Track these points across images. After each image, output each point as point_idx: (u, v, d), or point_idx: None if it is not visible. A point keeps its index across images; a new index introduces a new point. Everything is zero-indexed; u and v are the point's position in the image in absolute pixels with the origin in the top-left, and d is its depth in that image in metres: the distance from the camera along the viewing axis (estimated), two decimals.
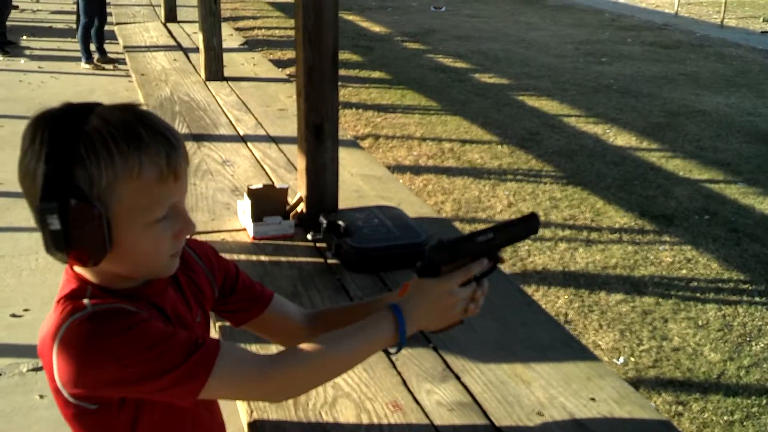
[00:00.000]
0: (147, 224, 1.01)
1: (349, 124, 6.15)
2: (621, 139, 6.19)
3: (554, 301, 3.58)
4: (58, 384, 1.00)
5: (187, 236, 1.10)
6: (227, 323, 1.38)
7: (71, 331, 0.97)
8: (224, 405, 2.83)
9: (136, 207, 0.99)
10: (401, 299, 1.14)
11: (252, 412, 1.56)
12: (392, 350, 1.13)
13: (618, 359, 3.15)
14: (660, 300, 3.64)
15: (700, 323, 3.45)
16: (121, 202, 0.98)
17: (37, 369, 2.82)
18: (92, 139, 0.96)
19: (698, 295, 3.74)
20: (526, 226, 1.19)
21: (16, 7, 9.67)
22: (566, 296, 3.62)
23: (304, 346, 1.10)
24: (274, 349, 1.45)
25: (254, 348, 1.71)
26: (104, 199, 0.97)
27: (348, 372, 1.69)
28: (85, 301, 1.01)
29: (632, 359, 3.16)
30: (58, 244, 0.97)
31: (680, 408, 2.88)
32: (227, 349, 1.05)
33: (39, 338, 1.04)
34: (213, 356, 1.02)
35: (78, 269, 1.05)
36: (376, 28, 11.02)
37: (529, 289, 3.61)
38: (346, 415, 1.57)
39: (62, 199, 0.95)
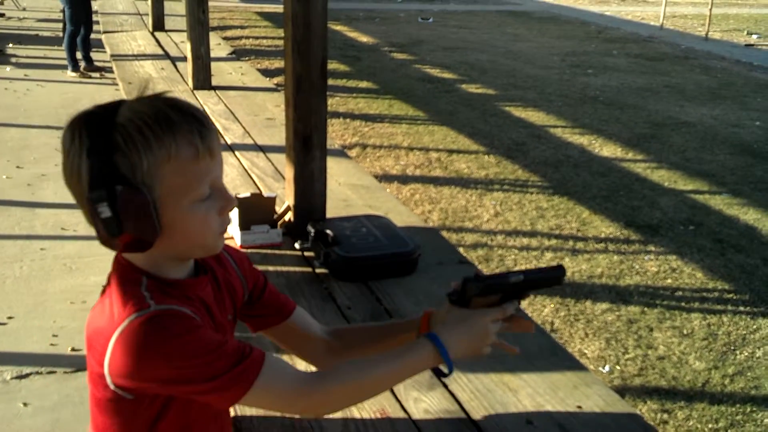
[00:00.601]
0: (192, 202, 1.05)
1: (336, 133, 6.17)
2: (606, 149, 6.24)
3: (540, 309, 3.59)
4: (105, 371, 1.04)
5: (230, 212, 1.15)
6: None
7: (133, 328, 1.01)
8: None
9: (179, 186, 1.03)
10: (438, 329, 1.19)
11: (236, 413, 1.56)
12: (444, 370, 1.18)
13: (604, 368, 3.17)
14: (645, 309, 3.67)
15: (685, 332, 3.48)
16: (164, 183, 1.02)
17: (21, 377, 2.80)
18: (127, 128, 1.00)
19: (683, 304, 3.77)
20: (553, 276, 1.26)
21: (2, 15, 9.65)
22: (552, 305, 3.64)
23: (344, 367, 1.17)
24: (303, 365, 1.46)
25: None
26: (149, 183, 1.01)
27: None
28: (148, 300, 1.04)
29: (618, 368, 3.18)
30: (112, 230, 1.01)
31: (665, 416, 2.90)
32: (271, 363, 1.09)
33: (90, 322, 1.08)
34: (257, 368, 1.06)
35: (128, 256, 1.09)
36: (364, 39, 11.06)
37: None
38: (333, 424, 1.57)
39: (109, 188, 0.99)
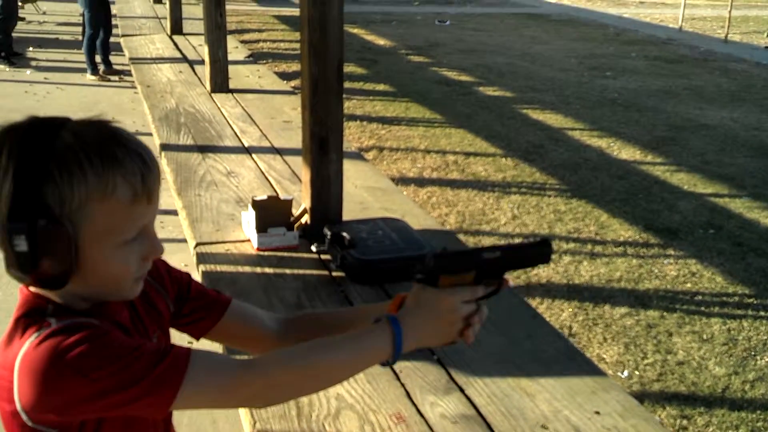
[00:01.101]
0: (116, 245, 0.97)
1: (353, 136, 6.17)
2: (625, 152, 6.19)
3: (558, 314, 3.57)
4: (18, 407, 0.94)
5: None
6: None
7: (33, 350, 0.91)
8: (226, 415, 2.82)
9: (106, 228, 0.95)
10: (401, 312, 1.06)
11: (255, 423, 1.56)
12: (383, 364, 1.06)
13: (622, 373, 3.14)
14: (665, 313, 3.63)
15: (704, 337, 3.44)
16: (91, 222, 0.94)
17: None
18: (64, 156, 0.92)
19: (703, 308, 3.73)
20: (537, 252, 1.10)
21: (23, 19, 9.75)
22: (570, 309, 3.62)
23: (289, 349, 1.05)
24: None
25: None
26: (74, 220, 0.93)
27: (351, 383, 1.70)
28: (49, 319, 0.95)
29: (637, 373, 3.15)
30: (24, 267, 0.93)
31: (685, 422, 2.86)
32: (200, 354, 0.98)
33: None
34: (184, 361, 0.96)
35: (35, 289, 1.00)
36: (381, 41, 11.07)
37: (533, 302, 3.60)
38: (350, 426, 1.56)
39: (31, 220, 0.91)
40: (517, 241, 4.35)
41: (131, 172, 0.95)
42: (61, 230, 0.92)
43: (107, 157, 0.94)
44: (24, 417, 0.95)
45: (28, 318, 0.96)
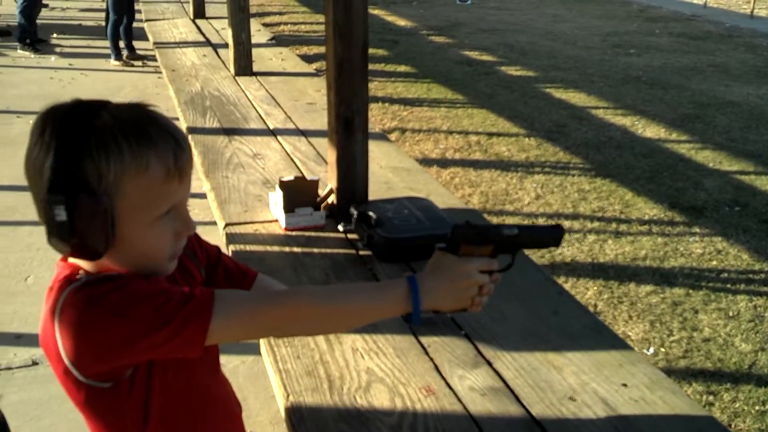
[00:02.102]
0: (149, 221, 1.02)
1: (375, 117, 6.18)
2: (650, 130, 6.14)
3: (583, 292, 3.58)
4: (68, 364, 1.00)
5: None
6: None
7: (68, 301, 0.98)
8: (258, 390, 2.88)
9: (140, 203, 1.01)
10: (420, 273, 1.14)
11: (288, 395, 1.60)
12: (407, 320, 1.13)
13: (648, 350, 3.15)
14: (690, 291, 3.63)
15: (730, 314, 3.44)
16: (126, 197, 0.99)
17: None
18: (102, 134, 0.97)
19: (729, 286, 3.72)
20: (550, 235, 1.20)
21: (46, 6, 9.84)
22: (595, 288, 3.62)
23: (314, 288, 1.13)
24: None
25: None
26: (111, 193, 0.98)
27: (381, 357, 1.73)
28: (79, 275, 1.02)
29: (662, 350, 3.16)
30: (63, 235, 0.98)
31: (711, 398, 2.87)
32: (225, 291, 1.06)
33: (40, 328, 1.04)
34: (209, 298, 1.02)
35: (73, 260, 1.06)
36: (402, 22, 11.02)
37: (558, 281, 3.60)
38: (380, 399, 1.60)
39: (70, 192, 0.96)
40: (541, 221, 4.35)
41: (164, 150, 1.01)
42: (98, 202, 0.97)
43: (142, 136, 0.99)
44: (75, 372, 1.01)
45: (62, 282, 1.02)
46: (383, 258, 2.27)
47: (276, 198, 2.55)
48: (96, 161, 0.97)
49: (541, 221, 4.33)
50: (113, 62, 7.62)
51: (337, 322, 1.15)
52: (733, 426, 2.74)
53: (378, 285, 1.16)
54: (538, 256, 3.87)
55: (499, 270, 1.17)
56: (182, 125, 3.76)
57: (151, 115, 1.03)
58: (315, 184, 2.58)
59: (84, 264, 1.04)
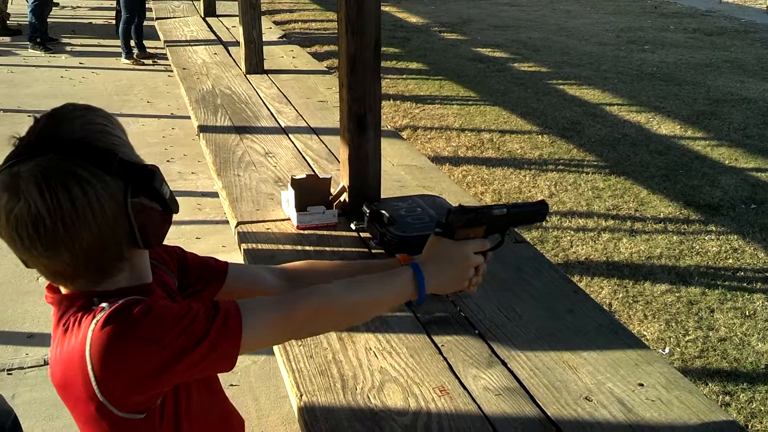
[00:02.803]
0: None
1: (387, 115, 6.16)
2: (665, 127, 6.08)
3: (598, 291, 3.55)
4: (102, 401, 0.96)
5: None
6: None
7: (99, 334, 0.93)
8: (270, 390, 2.86)
9: None
10: (420, 258, 1.18)
11: (302, 396, 1.59)
12: (409, 304, 1.17)
13: (664, 349, 3.12)
14: (706, 290, 3.59)
15: (747, 313, 3.39)
16: None
17: None
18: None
19: (745, 284, 3.67)
20: (535, 211, 1.28)
21: (57, 5, 9.87)
22: (610, 287, 3.59)
23: (328, 286, 1.12)
24: None
25: None
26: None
27: (394, 357, 1.72)
28: (100, 305, 0.98)
29: (678, 349, 3.12)
30: (174, 208, 1.06)
31: (727, 398, 2.83)
32: (245, 303, 1.05)
33: (58, 369, 1.01)
34: (235, 311, 1.01)
35: (65, 291, 1.03)
36: (413, 19, 10.99)
37: (572, 280, 3.58)
38: (394, 399, 1.58)
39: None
40: (554, 219, 4.32)
41: None
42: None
43: None
44: (110, 408, 0.97)
45: (77, 312, 0.99)
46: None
47: (288, 196, 2.53)
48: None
49: (554, 219, 4.30)
50: (124, 61, 7.64)
51: (353, 315, 1.18)
52: (750, 427, 2.71)
53: (386, 274, 1.17)
54: (551, 254, 3.84)
55: (491, 248, 1.23)
56: (194, 123, 3.76)
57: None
58: (327, 182, 2.57)
59: (85, 286, 1.01)
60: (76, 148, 0.96)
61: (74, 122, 0.99)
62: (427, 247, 1.20)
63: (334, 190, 2.62)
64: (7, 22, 8.89)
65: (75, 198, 0.94)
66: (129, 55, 7.66)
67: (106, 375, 0.94)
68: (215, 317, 0.99)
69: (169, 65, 5.67)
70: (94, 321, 0.95)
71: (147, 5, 7.83)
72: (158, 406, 1.03)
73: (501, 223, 1.24)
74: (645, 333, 3.22)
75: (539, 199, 1.30)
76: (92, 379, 0.94)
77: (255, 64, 4.75)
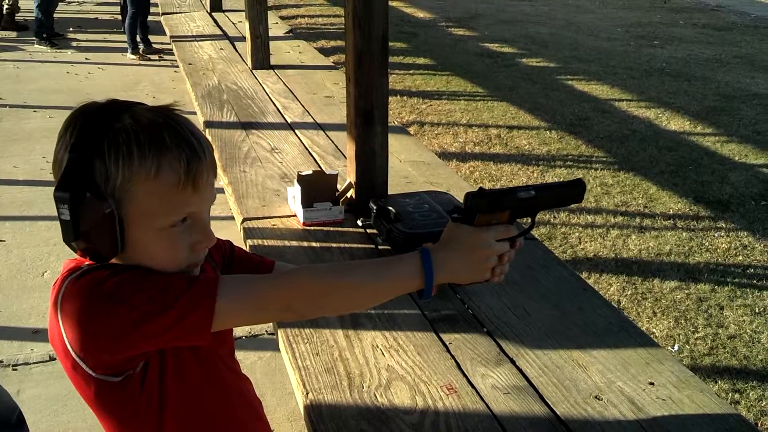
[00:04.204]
0: (160, 228, 1.00)
1: (394, 111, 6.13)
2: (674, 123, 6.04)
3: (606, 288, 3.52)
4: (75, 357, 0.97)
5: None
6: None
7: (68, 291, 0.96)
8: (276, 386, 2.85)
9: (150, 209, 0.98)
10: (434, 245, 1.07)
11: (308, 393, 1.57)
12: (420, 295, 1.06)
13: (673, 347, 3.09)
14: (715, 287, 3.56)
15: (757, 310, 3.36)
16: (136, 201, 0.97)
17: None
18: (117, 135, 0.96)
19: (755, 281, 3.64)
20: (570, 191, 1.13)
21: (63, 0, 9.88)
22: (618, 283, 3.56)
23: (320, 265, 1.09)
24: None
25: None
26: (119, 197, 0.96)
27: (401, 355, 1.70)
28: (83, 266, 1.00)
29: (687, 347, 3.09)
30: (67, 235, 0.97)
31: (737, 396, 2.81)
32: (228, 277, 1.03)
33: (48, 325, 1.02)
34: (215, 280, 0.99)
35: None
36: (420, 14, 10.95)
37: (581, 277, 3.55)
38: (401, 397, 1.57)
39: (75, 191, 0.95)
40: (563, 215, 4.29)
41: (177, 157, 0.98)
42: (103, 206, 0.95)
43: (156, 140, 0.97)
44: (83, 366, 0.98)
45: (65, 275, 1.01)
46: (403, 253, 2.23)
47: (294, 192, 2.52)
48: (106, 162, 0.95)
49: (562, 216, 4.27)
50: (130, 56, 7.62)
51: (347, 298, 1.08)
52: (760, 425, 2.68)
53: (388, 259, 1.08)
54: (560, 251, 3.81)
55: (519, 234, 1.10)
56: (199, 119, 3.74)
57: (172, 121, 1.00)
58: (334, 178, 2.55)
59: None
60: None
61: None
62: (444, 233, 1.08)
63: (340, 186, 2.60)
64: (16, 16, 8.89)
65: None
66: (135, 50, 7.65)
67: (73, 330, 0.95)
68: (191, 286, 0.97)
69: (176, 60, 5.66)
70: (70, 277, 0.98)
71: (152, 0, 7.81)
72: (138, 373, 1.02)
73: (528, 207, 1.11)
74: (654, 330, 3.20)
75: (574, 178, 1.15)
76: (63, 334, 0.96)
77: (261, 60, 4.73)
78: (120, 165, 0.95)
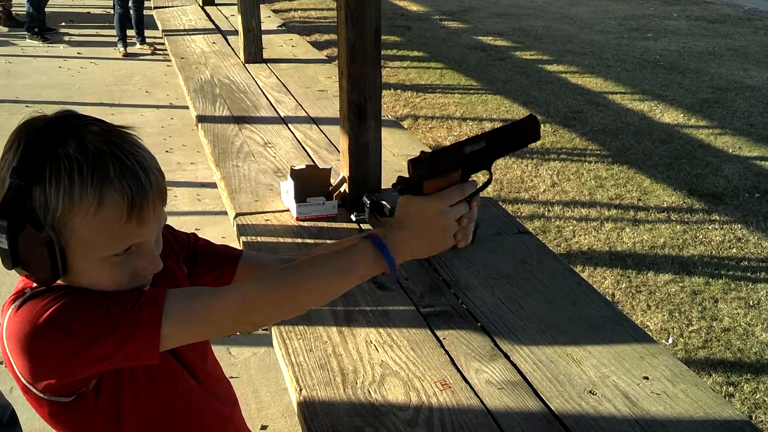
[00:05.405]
0: (101, 259, 0.97)
1: (387, 104, 6.11)
2: (668, 116, 6.04)
3: (600, 281, 3.52)
4: (25, 382, 0.97)
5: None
6: None
7: (11, 320, 0.94)
8: (270, 382, 2.85)
9: (91, 242, 0.95)
10: (385, 226, 1.02)
11: (301, 390, 1.56)
12: (380, 283, 1.02)
13: (667, 340, 3.09)
14: (710, 280, 3.56)
15: (751, 303, 3.37)
16: (77, 234, 0.94)
17: None
18: (59, 163, 0.92)
19: (749, 274, 3.64)
20: (524, 131, 1.04)
21: None
22: (613, 277, 3.56)
23: (267, 272, 1.05)
24: None
25: None
26: (58, 228, 0.93)
27: (395, 350, 1.69)
28: (26, 291, 0.98)
29: (681, 340, 3.10)
30: (6, 263, 0.95)
31: (731, 389, 2.81)
32: (174, 290, 0.99)
33: None
34: (161, 296, 0.96)
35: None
36: (414, 7, 10.92)
37: (575, 270, 3.55)
38: (395, 393, 1.56)
39: (13, 220, 0.92)
40: (557, 208, 4.29)
41: (120, 191, 0.94)
42: (39, 234, 0.92)
43: (99, 172, 0.93)
44: (33, 390, 0.97)
45: (10, 299, 0.99)
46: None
47: (287, 187, 2.50)
48: (46, 191, 0.92)
49: (557, 209, 4.27)
50: (121, 50, 7.57)
51: (300, 300, 1.02)
52: (754, 417, 2.68)
53: (337, 252, 1.02)
54: (554, 245, 3.81)
55: (474, 192, 1.02)
56: (192, 113, 3.72)
57: (119, 150, 0.95)
58: (327, 172, 2.54)
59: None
60: None
61: None
62: (398, 208, 1.02)
63: (334, 181, 2.59)
64: (11, 11, 8.83)
65: None
66: (126, 44, 7.59)
67: (18, 358, 0.94)
68: (134, 304, 0.94)
69: (168, 55, 5.63)
70: (13, 305, 0.96)
71: None
72: (91, 391, 1.00)
73: (481, 159, 1.02)
74: (648, 323, 3.20)
75: (527, 114, 1.05)
76: (11, 359, 0.96)
77: (254, 54, 4.71)
78: (60, 196, 0.91)
